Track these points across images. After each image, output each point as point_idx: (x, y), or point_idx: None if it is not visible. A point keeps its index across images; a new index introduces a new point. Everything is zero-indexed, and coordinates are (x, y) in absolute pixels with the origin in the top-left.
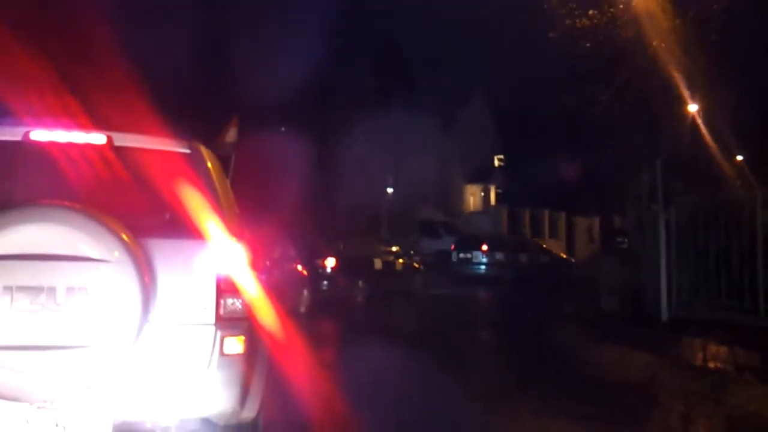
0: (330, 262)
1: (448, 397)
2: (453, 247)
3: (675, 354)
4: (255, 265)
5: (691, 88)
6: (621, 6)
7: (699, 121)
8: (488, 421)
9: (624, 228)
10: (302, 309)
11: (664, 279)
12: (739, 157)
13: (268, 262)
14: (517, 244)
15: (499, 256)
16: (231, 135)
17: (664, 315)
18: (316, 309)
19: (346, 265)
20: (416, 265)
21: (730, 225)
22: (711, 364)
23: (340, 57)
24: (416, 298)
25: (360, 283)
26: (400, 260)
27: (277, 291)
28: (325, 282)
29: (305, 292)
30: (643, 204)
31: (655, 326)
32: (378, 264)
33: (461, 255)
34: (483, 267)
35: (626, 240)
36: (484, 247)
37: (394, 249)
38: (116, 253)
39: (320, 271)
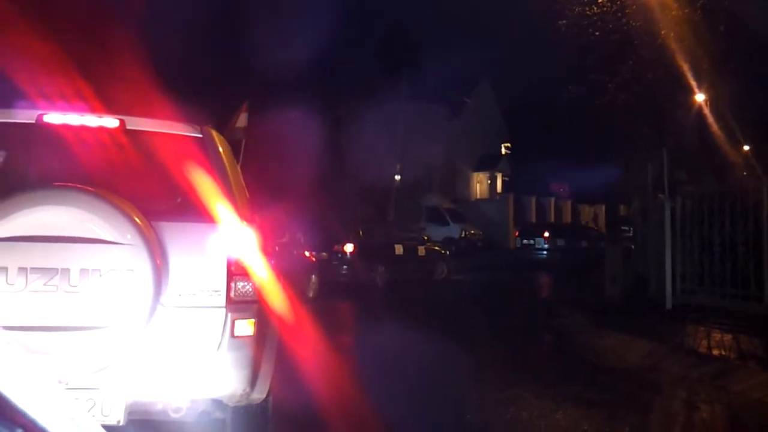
0: (348, 248)
1: (453, 382)
2: (517, 233)
3: (678, 341)
4: (265, 249)
5: (698, 78)
6: None
7: (705, 110)
8: (492, 405)
9: (629, 216)
10: (311, 294)
11: (668, 267)
12: (746, 147)
13: (276, 247)
14: (577, 231)
15: (561, 242)
16: (241, 120)
17: (668, 302)
18: (334, 293)
19: (366, 250)
20: (442, 252)
21: (736, 214)
22: (714, 352)
23: (350, 42)
24: (438, 284)
25: (380, 268)
26: (423, 247)
27: (285, 275)
28: (345, 266)
29: (313, 277)
30: (649, 193)
31: (659, 313)
32: (399, 250)
33: (524, 241)
34: (545, 252)
35: (631, 228)
36: (546, 234)
37: (419, 236)
38: (129, 236)
39: (339, 255)
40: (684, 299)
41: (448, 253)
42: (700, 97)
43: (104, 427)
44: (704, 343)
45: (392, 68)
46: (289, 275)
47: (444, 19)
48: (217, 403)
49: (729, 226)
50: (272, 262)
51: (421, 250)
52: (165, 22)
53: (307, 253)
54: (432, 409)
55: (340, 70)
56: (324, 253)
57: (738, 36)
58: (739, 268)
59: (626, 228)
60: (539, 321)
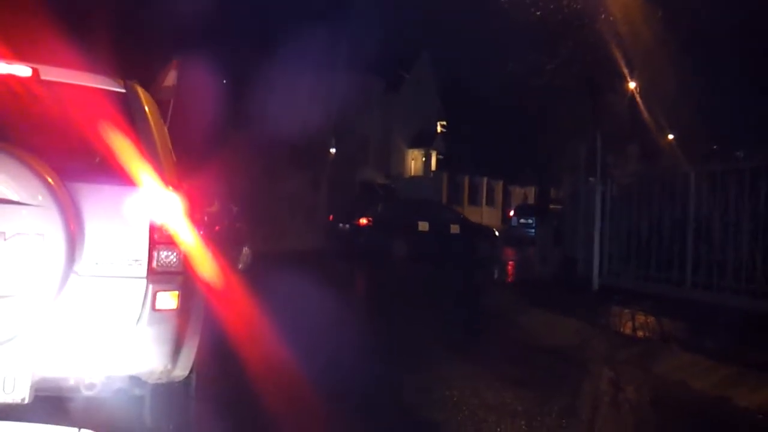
0: (363, 221)
1: (383, 361)
2: (512, 213)
3: (604, 322)
4: (192, 217)
5: (632, 64)
6: None
7: (637, 97)
8: (421, 384)
9: (560, 198)
10: (241, 266)
11: (596, 249)
12: (671, 136)
13: (205, 216)
14: None
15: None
16: (170, 78)
17: (595, 283)
18: (348, 263)
19: (384, 225)
20: (488, 232)
21: (663, 199)
22: (639, 333)
23: (286, 12)
24: (468, 263)
25: (396, 243)
26: (457, 225)
27: (215, 245)
28: (361, 238)
29: (245, 248)
30: (580, 175)
31: (587, 294)
32: (423, 226)
33: (521, 220)
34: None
35: (562, 210)
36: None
37: (456, 215)
38: (40, 197)
39: (356, 228)
40: (610, 280)
41: (496, 233)
42: (633, 84)
43: (8, 405)
44: (629, 324)
45: (332, 41)
46: (219, 245)
47: None
48: (135, 379)
49: (656, 210)
50: (200, 231)
51: (455, 228)
52: None
53: (239, 224)
54: (362, 388)
55: (277, 40)
56: (347, 225)
57: (674, 24)
58: (663, 252)
59: (557, 209)
60: (469, 300)
